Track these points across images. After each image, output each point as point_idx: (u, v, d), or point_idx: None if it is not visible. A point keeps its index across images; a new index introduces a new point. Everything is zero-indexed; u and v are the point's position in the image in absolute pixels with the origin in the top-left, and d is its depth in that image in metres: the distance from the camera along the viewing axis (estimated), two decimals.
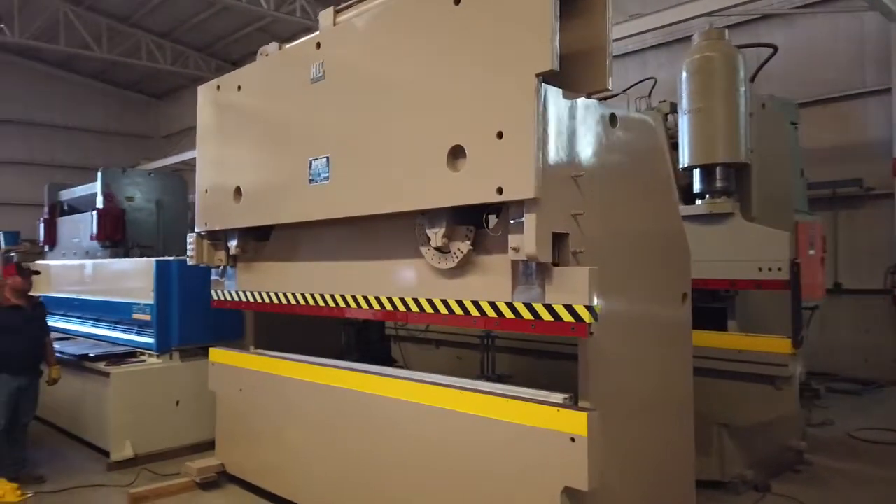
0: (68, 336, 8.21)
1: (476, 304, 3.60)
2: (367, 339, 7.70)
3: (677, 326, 4.05)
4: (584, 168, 3.44)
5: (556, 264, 3.38)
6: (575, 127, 3.45)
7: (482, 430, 3.62)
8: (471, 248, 3.60)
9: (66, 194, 13.55)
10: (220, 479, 5.62)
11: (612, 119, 3.68)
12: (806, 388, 5.88)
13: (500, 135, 3.27)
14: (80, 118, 23.61)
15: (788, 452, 5.76)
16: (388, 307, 4.12)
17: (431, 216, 3.73)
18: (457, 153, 3.49)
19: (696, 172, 5.36)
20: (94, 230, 11.36)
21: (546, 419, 3.32)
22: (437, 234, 3.68)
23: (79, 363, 6.76)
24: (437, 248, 3.72)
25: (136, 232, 11.78)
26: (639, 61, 12.07)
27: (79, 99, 23.62)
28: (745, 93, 5.21)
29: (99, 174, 11.70)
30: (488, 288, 3.57)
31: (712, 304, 5.70)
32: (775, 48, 6.45)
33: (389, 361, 7.17)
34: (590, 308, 3.17)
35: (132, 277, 7.14)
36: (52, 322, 8.75)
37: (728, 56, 5.18)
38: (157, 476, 5.85)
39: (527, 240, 3.20)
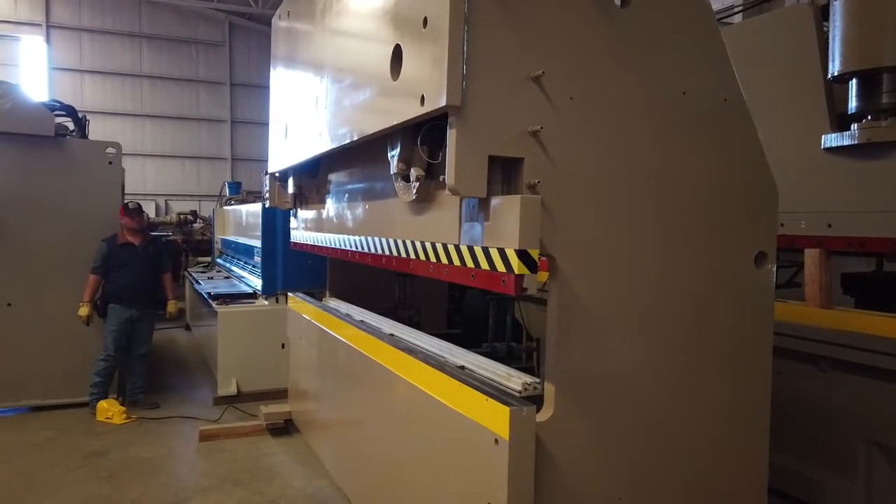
0: (229, 276, 8.83)
1: (433, 246, 2.81)
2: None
3: (743, 298, 2.77)
4: (553, 64, 2.41)
5: None
6: (545, 5, 2.42)
7: (433, 411, 2.85)
8: (423, 174, 2.80)
9: None
10: (290, 426, 5.51)
11: None
12: None
13: (425, 21, 2.41)
14: None
15: None
16: (377, 250, 3.47)
17: (393, 139, 2.98)
18: (398, 56, 2.69)
19: (853, 84, 3.72)
20: None
21: (475, 409, 2.45)
22: (394, 159, 2.93)
23: (208, 301, 7.15)
24: (403, 177, 2.96)
25: None
26: None
27: None
28: None
29: None
30: (440, 225, 2.76)
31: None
32: None
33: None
34: (522, 254, 2.21)
35: (255, 221, 7.34)
36: (228, 264, 9.50)
37: None
38: (244, 415, 5.95)
39: (448, 166, 2.33)
